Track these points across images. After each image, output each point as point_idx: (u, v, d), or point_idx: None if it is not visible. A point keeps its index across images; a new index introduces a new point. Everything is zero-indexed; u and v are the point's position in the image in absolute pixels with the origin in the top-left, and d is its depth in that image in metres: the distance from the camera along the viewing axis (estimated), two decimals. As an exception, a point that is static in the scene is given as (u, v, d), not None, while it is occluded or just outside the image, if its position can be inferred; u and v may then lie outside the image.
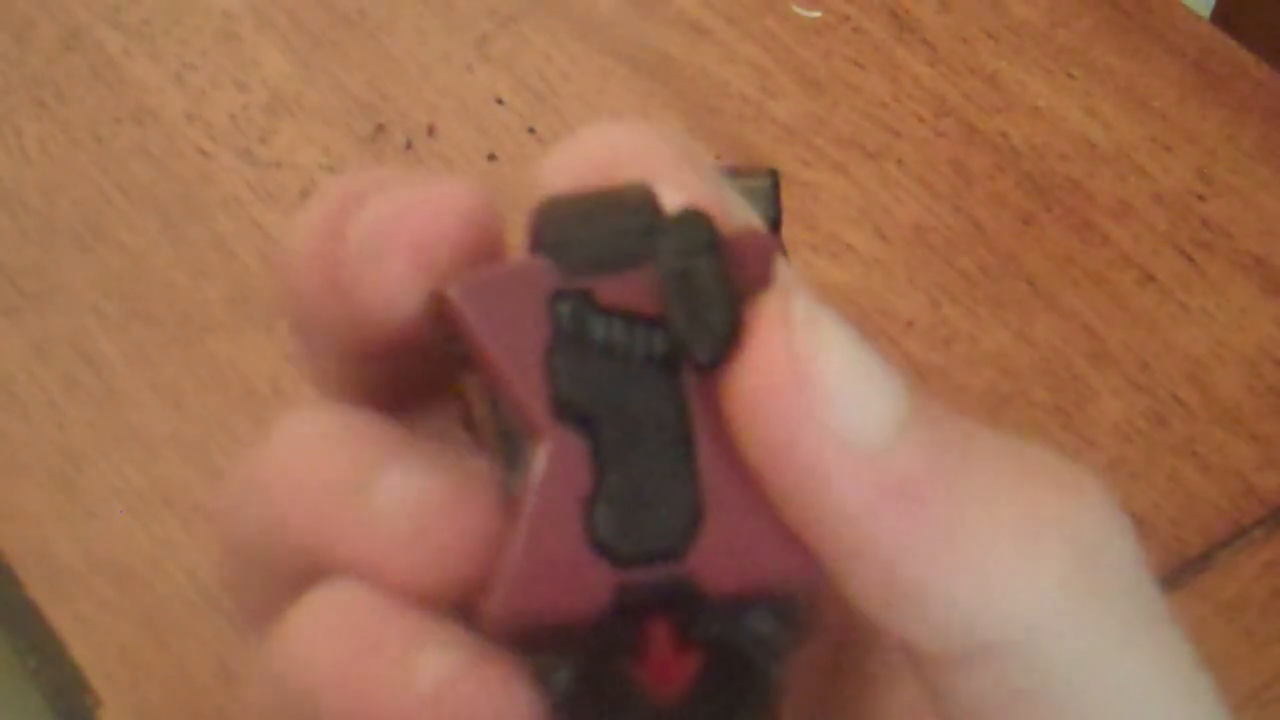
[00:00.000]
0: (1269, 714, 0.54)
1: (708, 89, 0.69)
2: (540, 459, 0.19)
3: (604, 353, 0.20)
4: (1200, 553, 0.57)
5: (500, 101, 0.68)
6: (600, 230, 0.20)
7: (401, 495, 0.20)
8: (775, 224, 0.52)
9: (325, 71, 0.69)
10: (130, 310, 0.62)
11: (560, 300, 0.20)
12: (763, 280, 0.20)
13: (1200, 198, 0.66)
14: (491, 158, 0.66)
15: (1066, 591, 0.19)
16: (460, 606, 0.20)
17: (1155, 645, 0.20)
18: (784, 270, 0.21)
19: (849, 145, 0.67)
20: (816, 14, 0.72)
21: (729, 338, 0.20)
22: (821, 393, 0.19)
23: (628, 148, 0.22)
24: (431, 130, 0.67)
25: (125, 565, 0.55)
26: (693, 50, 0.70)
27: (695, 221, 0.20)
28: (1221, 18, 0.78)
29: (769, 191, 0.51)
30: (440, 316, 0.20)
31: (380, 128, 0.67)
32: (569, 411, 0.19)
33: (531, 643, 0.19)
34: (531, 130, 0.67)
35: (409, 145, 0.67)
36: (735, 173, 0.52)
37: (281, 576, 0.21)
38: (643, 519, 0.19)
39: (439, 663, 0.19)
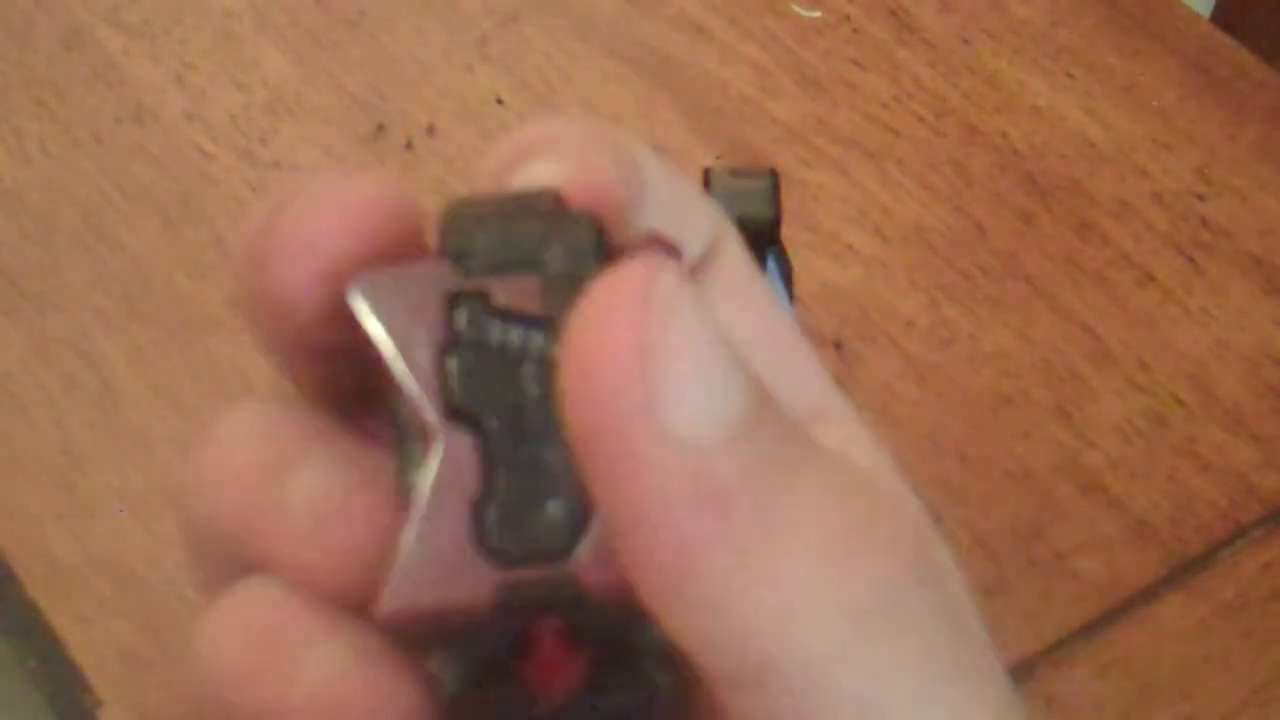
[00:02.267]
0: (1269, 714, 0.54)
1: (708, 89, 0.69)
2: (431, 458, 0.19)
3: (497, 354, 0.20)
4: (1200, 553, 0.57)
5: (500, 101, 0.68)
6: (501, 232, 0.20)
7: (307, 491, 0.20)
8: (775, 224, 0.52)
9: (325, 71, 0.69)
10: (130, 310, 0.62)
11: (456, 301, 0.20)
12: (672, 249, 0.21)
13: (1200, 198, 0.66)
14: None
15: (860, 629, 0.18)
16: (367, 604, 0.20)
17: (950, 704, 0.19)
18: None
19: (849, 145, 0.67)
20: (816, 14, 0.72)
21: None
22: (661, 378, 0.18)
23: (548, 141, 0.22)
24: (431, 130, 0.67)
25: (125, 565, 0.55)
26: (693, 50, 0.70)
27: (583, 225, 0.20)
28: (1221, 18, 0.78)
29: (769, 191, 0.51)
30: (342, 309, 0.21)
31: (380, 128, 0.67)
32: (460, 412, 0.20)
33: (422, 640, 0.20)
34: (531, 130, 0.67)
35: (409, 145, 0.67)
36: (735, 173, 0.52)
37: (219, 567, 0.22)
38: (529, 519, 0.19)
39: (325, 660, 0.19)
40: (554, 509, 0.20)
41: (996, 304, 0.63)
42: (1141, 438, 0.60)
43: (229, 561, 0.21)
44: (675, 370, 0.18)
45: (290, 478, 0.21)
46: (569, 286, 0.20)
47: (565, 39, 0.70)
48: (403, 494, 0.20)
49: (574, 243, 0.20)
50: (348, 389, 0.23)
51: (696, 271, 0.24)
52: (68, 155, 0.66)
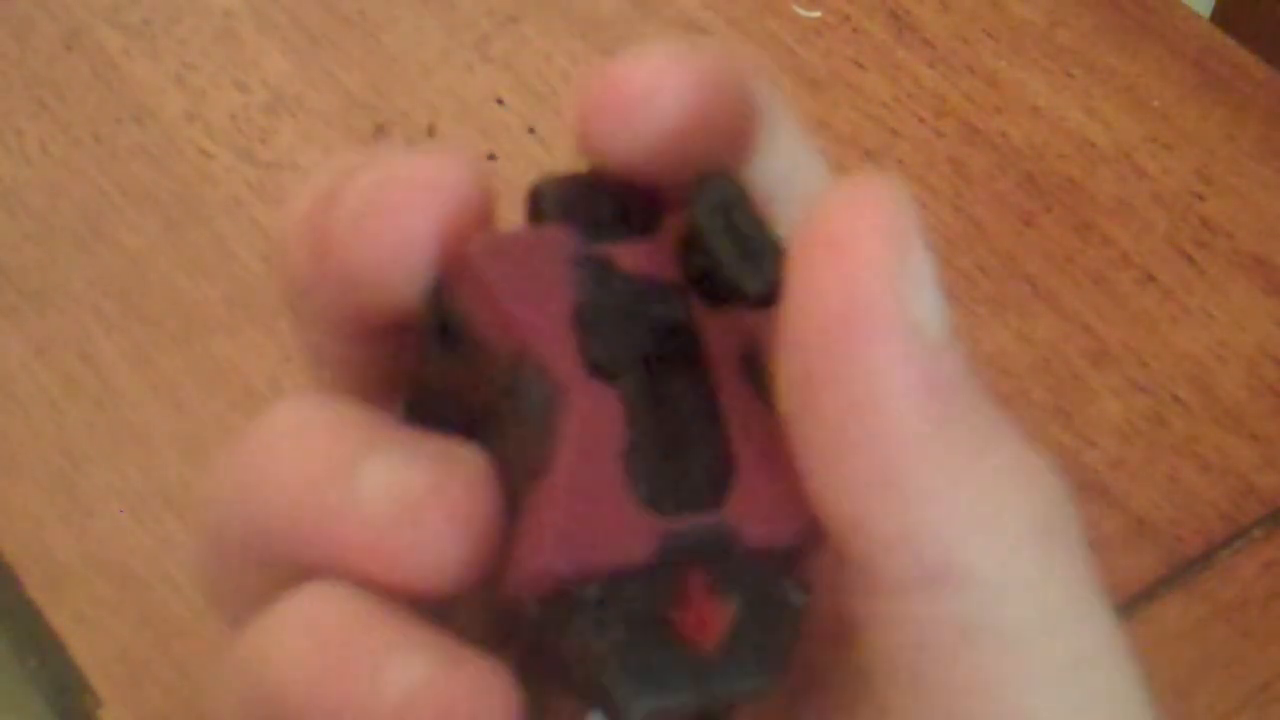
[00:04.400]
0: (1269, 714, 0.54)
1: (708, 89, 0.69)
2: (574, 413, 0.19)
3: (626, 315, 0.20)
4: (1200, 553, 0.57)
5: (500, 101, 0.68)
6: (605, 203, 0.21)
7: (387, 482, 0.19)
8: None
9: (325, 71, 0.69)
10: (130, 310, 0.62)
11: (581, 264, 0.20)
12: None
13: (1200, 198, 0.66)
14: (491, 158, 0.66)
15: (1039, 537, 0.19)
16: (450, 601, 0.20)
17: (1098, 630, 0.20)
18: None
19: (849, 145, 0.67)
20: (816, 14, 0.72)
21: (780, 273, 0.20)
22: (906, 272, 0.19)
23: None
24: (431, 130, 0.67)
25: (125, 565, 0.55)
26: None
27: (725, 178, 0.20)
28: (1221, 18, 0.78)
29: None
30: (446, 284, 0.20)
31: (380, 128, 0.67)
32: (598, 370, 0.20)
33: (559, 606, 0.19)
34: (531, 130, 0.67)
35: (409, 145, 0.67)
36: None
37: (262, 575, 0.20)
38: (679, 471, 0.19)
39: (410, 668, 0.19)
40: (700, 461, 0.20)
41: (996, 304, 0.63)
42: (1141, 438, 0.60)
43: (273, 570, 0.20)
44: (922, 266, 0.19)
45: (361, 470, 0.20)
46: (729, 230, 0.20)
47: (565, 39, 0.70)
48: (522, 462, 0.19)
49: (720, 193, 0.20)
50: (386, 377, 0.22)
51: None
52: (68, 155, 0.66)
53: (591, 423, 0.19)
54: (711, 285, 0.20)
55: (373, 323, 0.21)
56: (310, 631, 0.19)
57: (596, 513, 0.19)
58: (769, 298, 0.20)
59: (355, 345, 0.22)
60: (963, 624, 0.19)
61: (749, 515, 0.19)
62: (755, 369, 0.21)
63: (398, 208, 0.20)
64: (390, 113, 0.68)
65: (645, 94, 0.20)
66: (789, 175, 0.22)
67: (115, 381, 0.60)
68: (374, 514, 0.19)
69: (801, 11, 0.72)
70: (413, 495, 0.19)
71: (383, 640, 0.19)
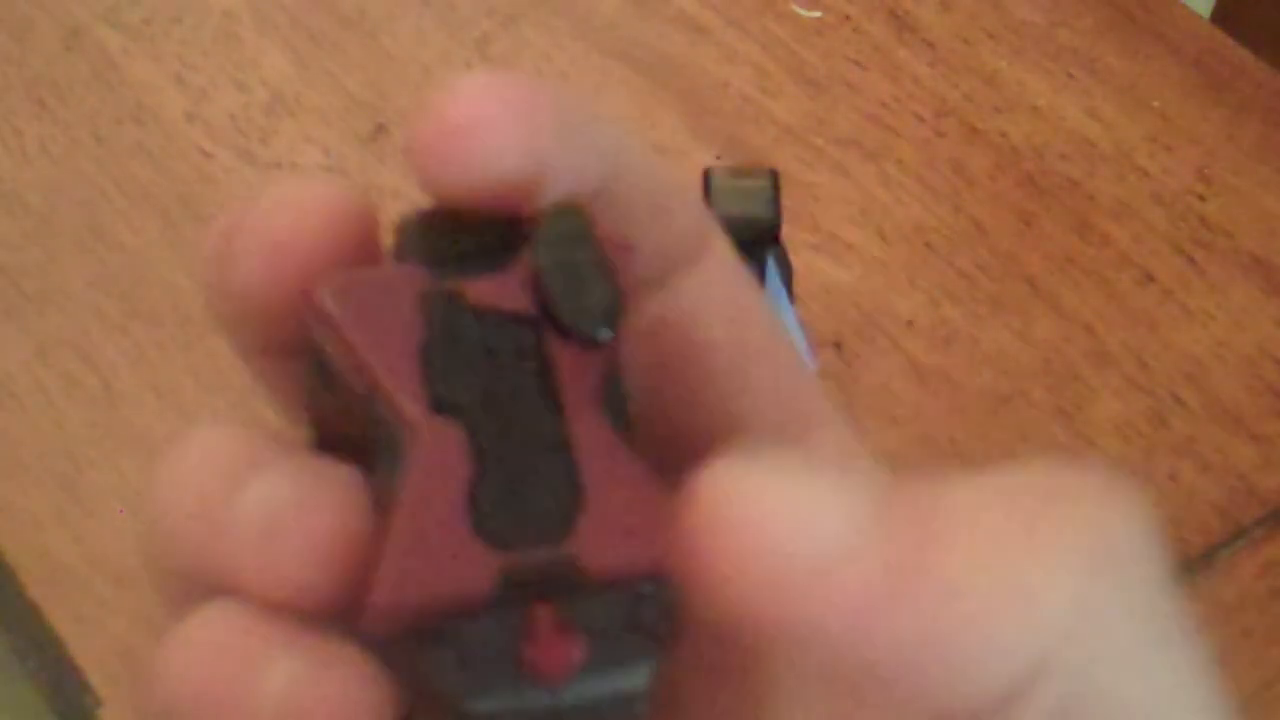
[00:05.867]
0: (1269, 713, 0.54)
1: (708, 89, 0.69)
2: (417, 450, 0.19)
3: (475, 350, 0.20)
4: (1200, 553, 0.57)
5: (500, 101, 0.68)
6: (465, 236, 0.21)
7: (257, 502, 0.20)
8: (775, 224, 0.52)
9: (325, 71, 0.69)
10: (130, 310, 0.62)
11: (431, 301, 0.20)
12: (627, 249, 0.21)
13: (1200, 198, 0.66)
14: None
15: (1091, 596, 0.19)
16: (332, 616, 0.20)
17: (1177, 648, 0.20)
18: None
19: (849, 145, 0.67)
20: (816, 14, 0.72)
21: (615, 314, 0.20)
22: (777, 544, 0.19)
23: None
24: (431, 130, 0.67)
25: (125, 565, 0.55)
26: (693, 50, 0.70)
27: (570, 211, 0.21)
28: (1221, 18, 0.78)
29: (769, 192, 0.51)
30: (308, 319, 0.21)
31: (380, 128, 0.67)
32: (444, 406, 0.20)
33: (414, 640, 0.19)
34: (531, 130, 0.67)
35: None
36: (735, 173, 0.52)
37: (180, 594, 0.22)
38: (523, 503, 0.19)
39: (286, 671, 0.19)
40: (548, 492, 0.20)
41: (996, 304, 0.63)
42: (1141, 438, 0.60)
43: (189, 586, 0.21)
44: (784, 525, 0.19)
45: (241, 491, 0.21)
46: (567, 271, 0.20)
47: (565, 39, 0.70)
48: (384, 496, 0.20)
49: (562, 230, 0.20)
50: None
51: (678, 271, 0.24)
52: (68, 155, 0.66)
53: (432, 460, 0.19)
54: (554, 321, 0.20)
55: (277, 348, 0.22)
56: (199, 646, 0.20)
57: (433, 550, 0.19)
58: (601, 341, 0.20)
59: (271, 364, 0.23)
60: (1063, 714, 0.19)
61: (596, 546, 0.19)
62: (613, 396, 0.21)
63: (265, 244, 0.21)
64: (390, 113, 0.68)
65: (466, 128, 0.20)
66: (651, 207, 0.23)
67: (115, 381, 0.60)
68: (245, 531, 0.20)
69: (801, 11, 0.72)
70: (277, 513, 0.20)
71: (261, 647, 0.20)
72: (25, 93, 0.68)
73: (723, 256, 0.24)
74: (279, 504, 0.20)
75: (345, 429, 0.21)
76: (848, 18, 0.72)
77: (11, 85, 0.68)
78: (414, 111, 0.21)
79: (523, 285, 0.20)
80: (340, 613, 0.20)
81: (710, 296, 0.24)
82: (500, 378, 0.20)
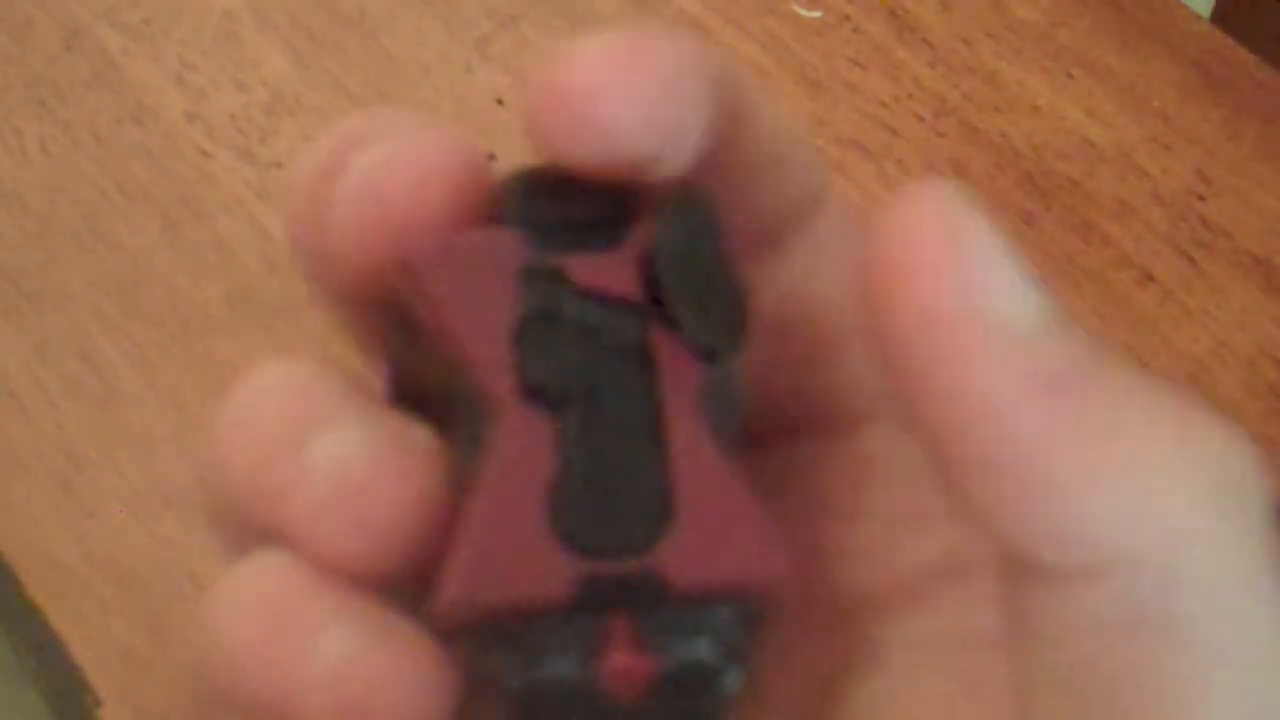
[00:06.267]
0: None
1: (708, 89, 0.69)
2: (503, 435, 0.18)
3: (574, 334, 0.19)
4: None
5: (500, 102, 0.68)
6: (572, 203, 0.19)
7: (332, 457, 0.19)
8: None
9: (325, 71, 0.69)
10: (130, 310, 0.62)
11: (533, 275, 0.19)
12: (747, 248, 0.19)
13: (1200, 198, 0.66)
14: (491, 158, 0.66)
15: (1211, 516, 0.18)
16: (393, 588, 0.19)
17: (1267, 595, 0.19)
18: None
19: (849, 145, 0.67)
20: (816, 14, 0.72)
21: (740, 329, 0.19)
22: (977, 272, 0.18)
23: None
24: (431, 130, 0.67)
25: (125, 565, 0.55)
26: (693, 50, 0.70)
27: (695, 204, 0.19)
28: (1221, 18, 0.78)
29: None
30: (404, 281, 0.19)
31: (380, 128, 0.67)
32: (534, 392, 0.18)
33: (483, 636, 0.18)
34: (531, 130, 0.67)
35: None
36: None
37: (236, 537, 0.20)
38: (609, 508, 0.18)
39: (341, 641, 0.18)
40: (636, 498, 0.18)
41: (996, 304, 0.63)
42: (1141, 438, 0.60)
43: (244, 531, 0.20)
44: (994, 261, 0.18)
45: (313, 441, 0.19)
46: (688, 266, 0.19)
47: (565, 39, 0.70)
48: (459, 476, 0.19)
49: (686, 219, 0.19)
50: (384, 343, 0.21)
51: (794, 230, 0.22)
52: (68, 155, 0.66)
53: (517, 448, 0.18)
54: (667, 319, 0.19)
55: (368, 295, 0.21)
56: (251, 598, 0.19)
57: (510, 547, 0.18)
58: (722, 357, 0.19)
59: (356, 310, 0.21)
60: (1131, 615, 0.18)
61: (682, 562, 0.18)
62: (720, 402, 0.19)
63: (393, 198, 0.19)
64: (390, 113, 0.68)
65: (593, 93, 0.19)
66: (771, 163, 0.22)
67: (115, 381, 0.60)
68: (312, 487, 0.19)
69: (801, 11, 0.72)
70: (350, 474, 0.19)
71: (318, 611, 0.19)
72: (25, 93, 0.68)
73: (838, 211, 0.23)
74: (353, 464, 0.19)
75: (427, 386, 0.20)
76: (848, 18, 0.72)
77: (11, 85, 0.68)
78: (537, 70, 0.19)
79: (633, 269, 0.19)
80: (402, 585, 0.19)
81: (825, 256, 0.22)
82: (597, 367, 0.19)
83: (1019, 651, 0.19)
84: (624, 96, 0.19)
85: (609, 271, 0.19)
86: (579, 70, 0.19)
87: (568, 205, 0.19)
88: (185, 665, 0.53)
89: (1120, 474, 0.18)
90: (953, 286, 0.18)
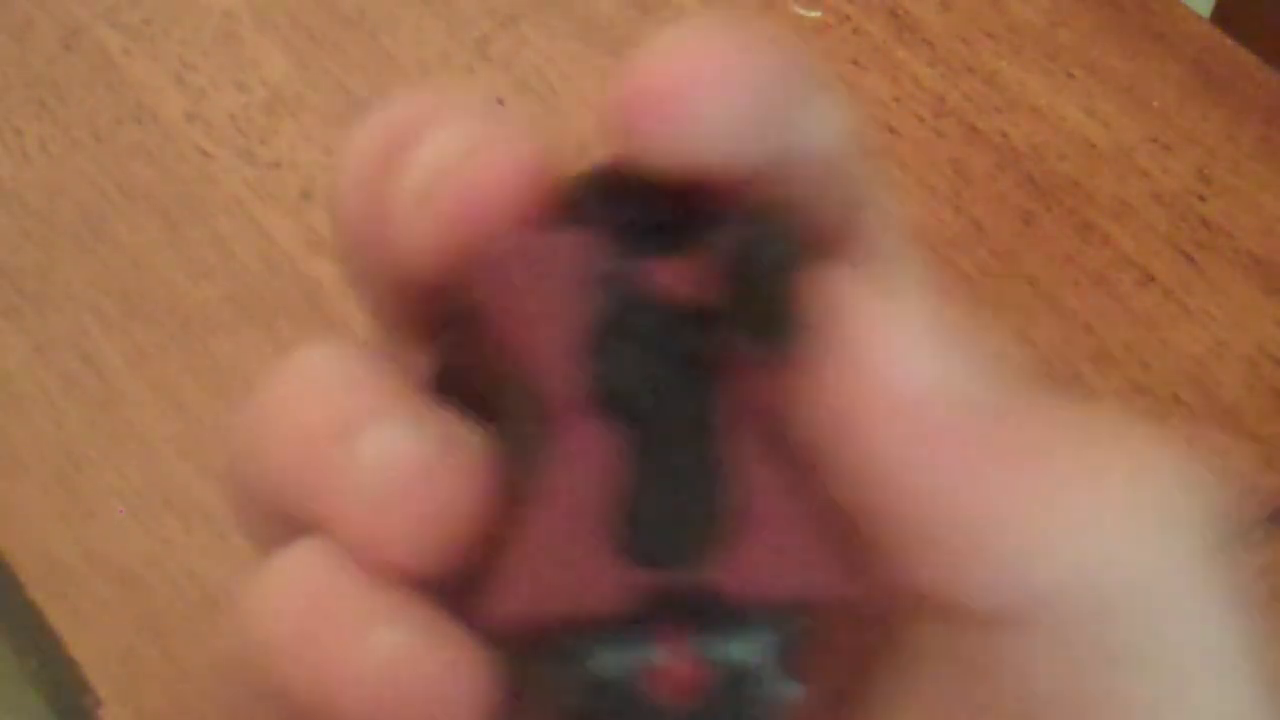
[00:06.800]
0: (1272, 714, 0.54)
1: (708, 89, 0.69)
2: (568, 443, 0.18)
3: (645, 342, 0.18)
4: (1200, 553, 0.57)
5: (500, 102, 0.68)
6: (648, 205, 0.19)
7: (385, 453, 0.19)
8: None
9: (325, 71, 0.69)
10: (130, 310, 0.62)
11: (609, 280, 0.18)
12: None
13: (1200, 198, 0.66)
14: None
15: (1143, 541, 0.18)
16: (437, 587, 0.19)
17: (1215, 617, 0.19)
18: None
19: (849, 145, 0.67)
20: (816, 14, 0.72)
21: (792, 350, 0.18)
22: (878, 350, 0.18)
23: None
24: (431, 130, 0.67)
25: (125, 565, 0.55)
26: (693, 50, 0.70)
27: (780, 221, 0.19)
28: (1221, 18, 0.78)
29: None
30: (472, 280, 0.19)
31: (380, 128, 0.67)
32: (600, 400, 0.18)
33: (536, 644, 0.18)
34: (531, 130, 0.67)
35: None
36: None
37: (267, 525, 0.20)
38: (670, 520, 0.18)
39: (391, 637, 0.18)
40: (698, 511, 0.18)
41: (996, 304, 0.63)
42: (1141, 438, 0.60)
43: (278, 521, 0.20)
44: (892, 330, 0.18)
45: (365, 434, 0.19)
46: (763, 287, 0.18)
47: (565, 39, 0.70)
48: (513, 479, 0.18)
49: (771, 242, 0.18)
50: (428, 334, 0.21)
51: (831, 249, 0.21)
52: (68, 155, 0.66)
53: (582, 457, 0.18)
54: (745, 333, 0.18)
55: (426, 288, 0.20)
56: (297, 589, 0.19)
57: (570, 559, 0.18)
58: (774, 370, 0.18)
59: (406, 301, 0.21)
60: (1075, 648, 0.18)
61: (743, 578, 0.18)
62: (784, 416, 0.19)
63: (464, 197, 0.19)
64: (390, 113, 0.68)
65: (685, 89, 0.18)
66: (823, 158, 0.21)
67: (115, 381, 0.60)
68: (364, 487, 0.19)
69: (801, 11, 0.72)
70: (399, 473, 0.18)
71: (367, 606, 0.18)
72: (25, 93, 0.68)
73: (873, 225, 0.22)
74: (402, 462, 0.18)
75: (474, 381, 0.19)
76: (848, 18, 0.72)
77: (11, 85, 0.68)
78: (627, 65, 0.18)
79: (709, 276, 0.18)
80: (444, 585, 0.18)
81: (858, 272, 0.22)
82: (668, 376, 0.18)
83: (982, 698, 0.19)
84: (719, 97, 0.18)
85: (684, 278, 0.19)
86: (674, 68, 0.18)
87: (643, 207, 0.19)
88: (191, 663, 0.53)
89: (1039, 504, 0.18)
90: (873, 357, 0.18)
